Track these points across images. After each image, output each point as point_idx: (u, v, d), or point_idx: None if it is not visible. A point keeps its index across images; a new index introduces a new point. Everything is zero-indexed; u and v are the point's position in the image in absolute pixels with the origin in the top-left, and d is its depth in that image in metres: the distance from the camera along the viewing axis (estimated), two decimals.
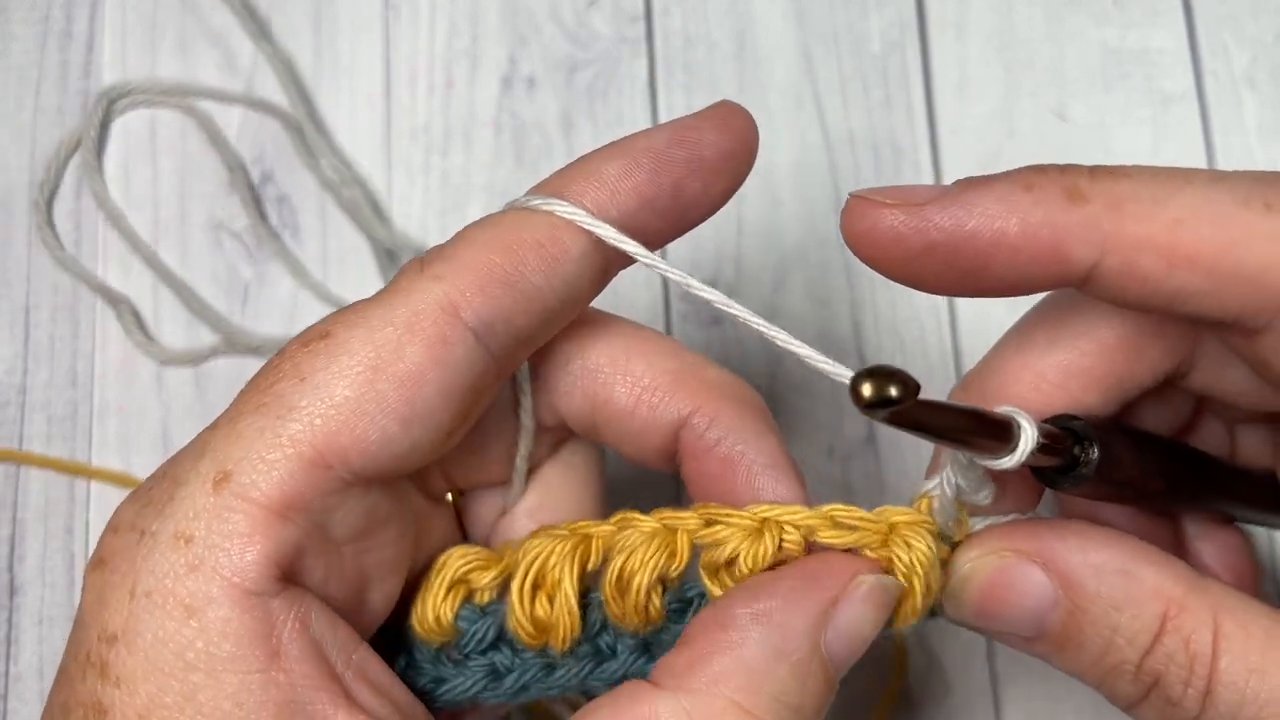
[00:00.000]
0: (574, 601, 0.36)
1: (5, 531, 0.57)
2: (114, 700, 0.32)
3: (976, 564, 0.36)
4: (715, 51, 0.63)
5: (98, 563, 0.34)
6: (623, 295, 0.59)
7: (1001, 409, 0.34)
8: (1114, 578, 0.34)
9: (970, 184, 0.34)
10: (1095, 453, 0.35)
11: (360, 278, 0.60)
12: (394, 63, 0.63)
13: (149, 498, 0.34)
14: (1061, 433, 0.35)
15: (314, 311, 0.60)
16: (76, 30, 0.63)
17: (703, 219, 0.38)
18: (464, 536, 0.41)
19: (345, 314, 0.35)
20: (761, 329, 0.36)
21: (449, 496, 0.41)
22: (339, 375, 0.33)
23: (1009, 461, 0.33)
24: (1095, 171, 0.34)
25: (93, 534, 0.57)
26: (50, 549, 0.57)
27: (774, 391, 0.58)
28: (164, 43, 0.63)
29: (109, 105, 0.62)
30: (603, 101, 0.62)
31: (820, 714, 0.34)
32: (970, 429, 0.33)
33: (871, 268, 0.35)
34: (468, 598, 0.37)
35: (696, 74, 0.62)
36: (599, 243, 0.36)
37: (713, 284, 0.59)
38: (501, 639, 0.37)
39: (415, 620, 0.37)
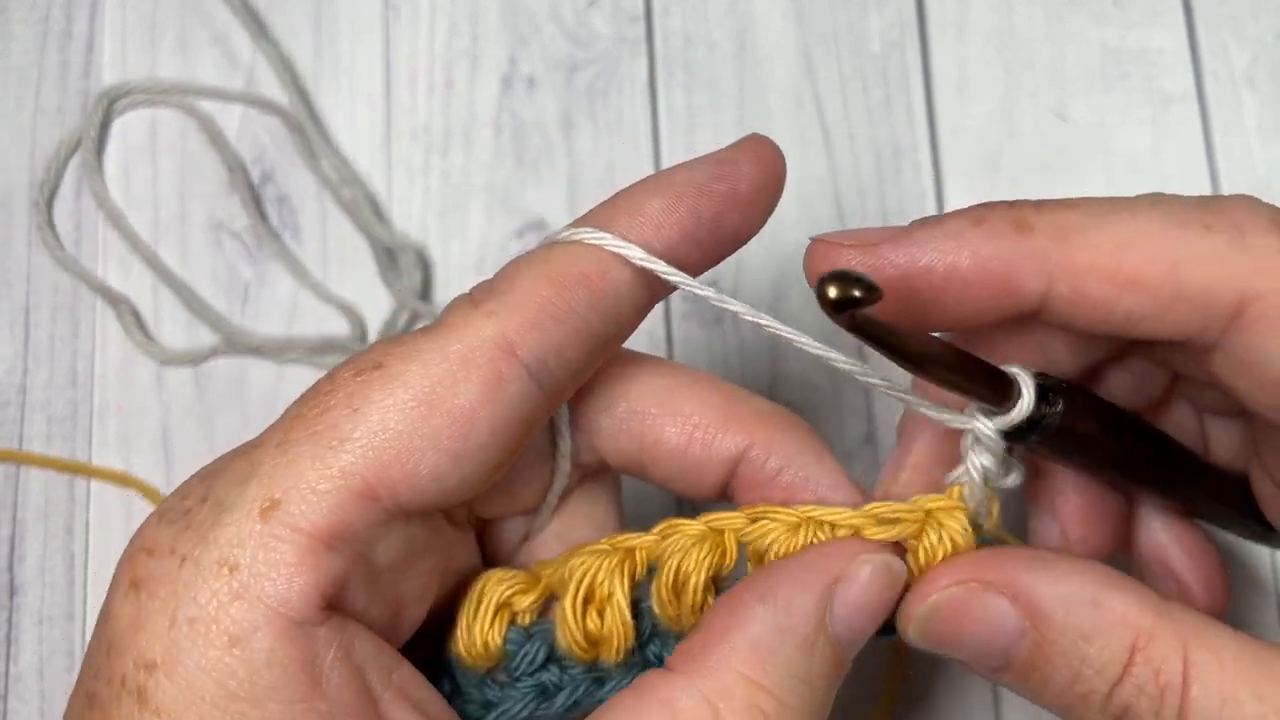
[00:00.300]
0: (627, 612, 0.36)
1: (5, 531, 0.57)
2: None
3: (942, 596, 0.35)
4: (715, 51, 0.63)
5: (131, 586, 0.33)
6: None
7: (1005, 367, 0.35)
8: (1082, 608, 0.34)
9: (922, 223, 0.36)
10: (1060, 405, 0.35)
11: (360, 278, 0.60)
12: (394, 63, 0.63)
13: (189, 521, 0.33)
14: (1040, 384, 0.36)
15: (314, 311, 0.60)
16: (76, 30, 0.63)
17: (736, 249, 0.39)
18: (484, 560, 0.41)
19: (396, 346, 0.35)
20: (792, 337, 0.37)
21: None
22: (393, 409, 0.33)
23: (1018, 414, 0.34)
24: (1041, 205, 0.35)
25: (93, 534, 0.57)
26: (50, 549, 0.57)
27: (774, 393, 0.58)
28: (164, 42, 0.63)
29: (109, 105, 0.62)
30: (603, 101, 0.62)
31: (831, 690, 0.35)
32: (957, 367, 0.34)
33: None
34: (511, 620, 0.38)
35: (696, 74, 0.62)
36: (643, 275, 0.37)
37: (713, 284, 0.59)
38: (551, 657, 0.38)
39: (461, 648, 0.38)
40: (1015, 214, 0.35)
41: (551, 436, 0.39)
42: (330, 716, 0.32)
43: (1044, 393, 0.35)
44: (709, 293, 0.37)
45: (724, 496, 0.40)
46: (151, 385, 0.59)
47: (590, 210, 0.38)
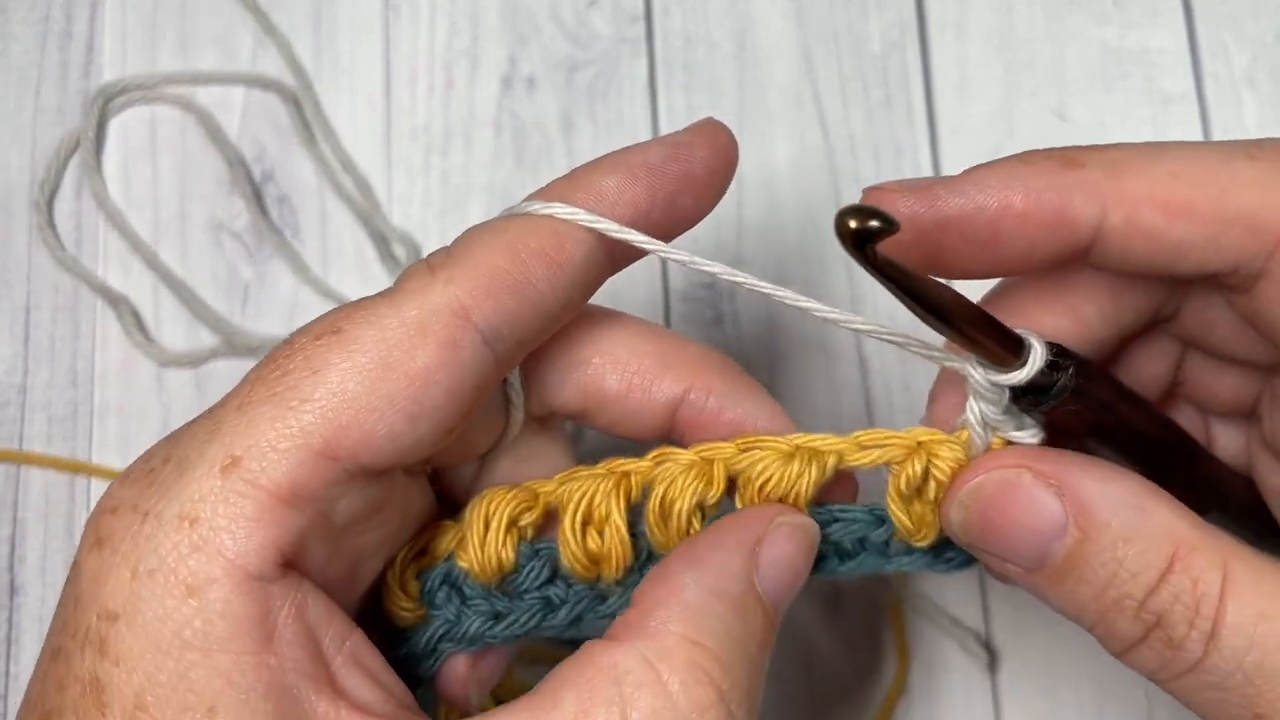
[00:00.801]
0: (625, 532, 0.38)
1: (6, 532, 0.57)
2: (111, 678, 0.32)
3: (990, 477, 0.36)
4: (715, 51, 0.63)
5: (95, 543, 0.34)
6: (623, 296, 0.59)
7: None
8: (1128, 511, 0.34)
9: (973, 168, 0.37)
10: (1071, 373, 0.36)
11: (361, 277, 0.60)
12: (394, 63, 0.63)
13: (151, 479, 0.34)
14: (1051, 354, 0.36)
15: (314, 311, 0.59)
16: (76, 30, 0.63)
17: (686, 229, 0.40)
18: (440, 499, 0.42)
19: (353, 311, 0.36)
20: (769, 291, 0.38)
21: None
22: (351, 371, 0.34)
23: (1016, 376, 0.35)
24: (1087, 146, 0.37)
25: None
26: (50, 549, 0.57)
27: (775, 387, 0.58)
28: (164, 42, 0.63)
29: (105, 104, 0.62)
30: (603, 101, 0.62)
31: (764, 651, 0.36)
32: (974, 322, 0.34)
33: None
34: (518, 537, 0.39)
35: (696, 74, 0.62)
36: (598, 249, 0.37)
37: (711, 285, 0.59)
38: (555, 574, 0.39)
39: (474, 563, 0.39)
40: (1063, 153, 0.36)
41: (504, 389, 0.40)
42: (280, 672, 0.33)
43: (1055, 363, 0.36)
44: (683, 256, 0.37)
45: (666, 438, 0.41)
46: (152, 385, 0.59)
47: (548, 184, 0.38)
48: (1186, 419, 0.45)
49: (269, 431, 0.34)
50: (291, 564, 0.34)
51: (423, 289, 0.35)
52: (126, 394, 0.59)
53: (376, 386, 0.34)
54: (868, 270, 0.32)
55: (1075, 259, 0.37)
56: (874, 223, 0.30)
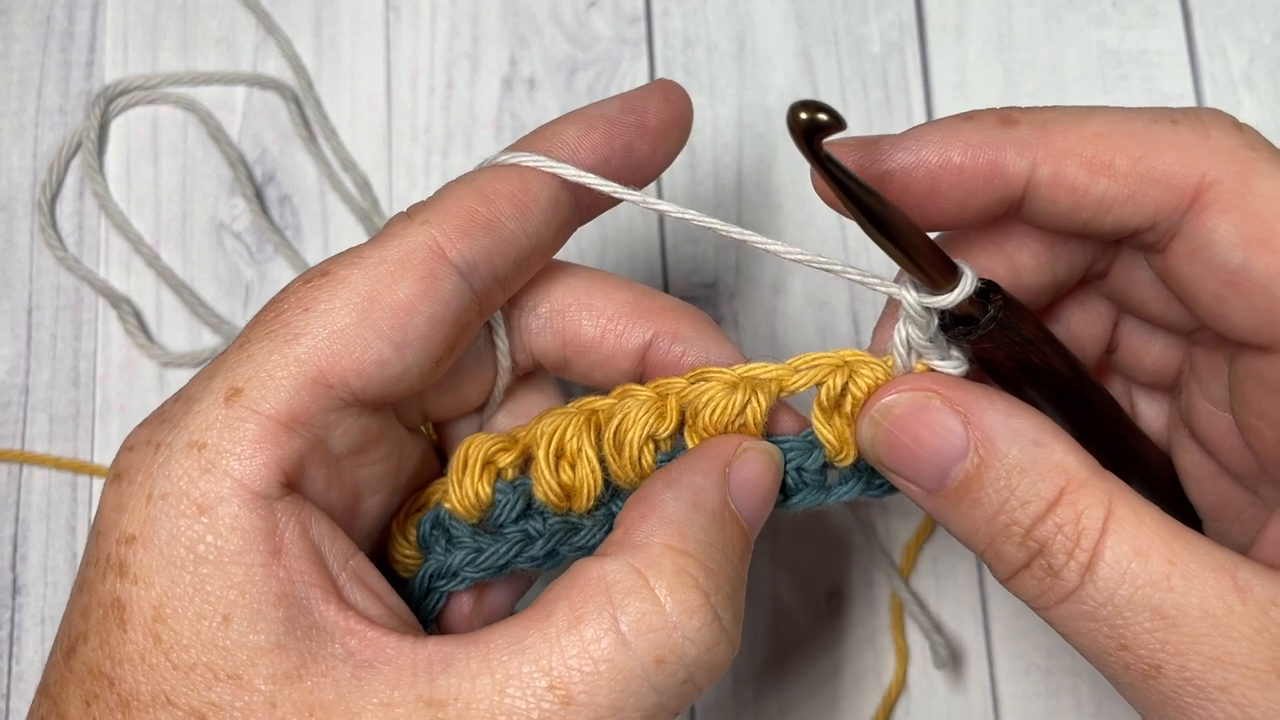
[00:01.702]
0: (595, 463, 0.41)
1: (8, 531, 0.58)
2: (131, 596, 0.35)
3: (902, 398, 0.38)
4: (715, 53, 0.63)
5: (114, 478, 0.37)
6: None
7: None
8: (1026, 444, 0.36)
9: (918, 125, 0.39)
10: (1000, 309, 0.38)
11: None
12: (395, 64, 0.63)
13: (163, 417, 0.37)
14: (983, 288, 0.38)
15: None
16: (78, 31, 0.63)
17: (651, 179, 0.43)
18: (440, 458, 0.45)
19: (342, 256, 0.38)
20: (714, 226, 0.40)
21: (424, 428, 0.45)
22: (340, 306, 0.37)
23: (946, 299, 0.37)
24: (1026, 107, 0.39)
25: None
26: (53, 548, 0.57)
27: None
28: (165, 43, 0.63)
29: (106, 104, 0.62)
30: None
31: (743, 565, 0.38)
32: (916, 244, 0.36)
33: (842, 213, 0.38)
34: (496, 476, 0.41)
35: (696, 75, 0.62)
36: (564, 193, 0.41)
37: (712, 285, 0.60)
38: (531, 508, 0.42)
39: (455, 500, 0.41)
40: (1002, 112, 0.39)
41: (491, 339, 0.43)
42: (289, 583, 0.35)
43: (984, 293, 0.38)
44: (637, 197, 0.40)
45: (637, 382, 0.43)
46: (153, 385, 0.59)
47: (517, 140, 0.42)
48: (1115, 393, 0.46)
49: (266, 363, 0.36)
50: (293, 485, 0.36)
51: (402, 231, 0.38)
52: (128, 394, 0.59)
53: (364, 319, 0.37)
54: (814, 165, 0.34)
55: (1008, 213, 0.39)
56: (821, 115, 0.32)
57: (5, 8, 0.64)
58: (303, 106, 0.62)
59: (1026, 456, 0.36)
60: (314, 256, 0.61)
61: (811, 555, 0.57)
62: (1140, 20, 0.62)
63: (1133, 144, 0.37)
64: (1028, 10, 0.63)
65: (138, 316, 0.60)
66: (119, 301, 0.60)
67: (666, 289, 0.60)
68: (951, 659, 0.55)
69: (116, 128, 0.62)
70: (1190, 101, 0.61)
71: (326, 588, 0.36)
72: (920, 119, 0.61)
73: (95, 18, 0.64)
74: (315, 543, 0.36)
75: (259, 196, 0.61)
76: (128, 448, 0.37)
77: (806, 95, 0.62)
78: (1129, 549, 0.35)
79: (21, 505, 0.58)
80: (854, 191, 0.35)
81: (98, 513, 0.37)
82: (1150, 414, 0.46)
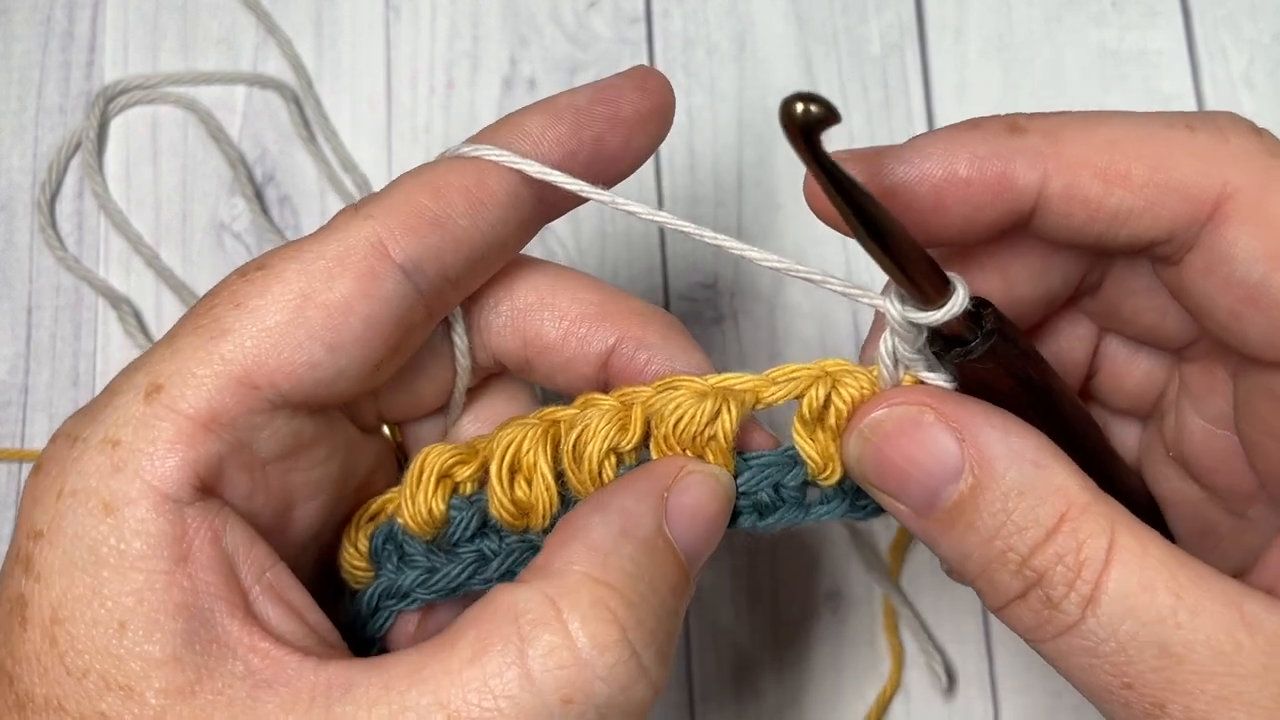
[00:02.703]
0: (551, 479, 0.38)
1: (6, 531, 0.57)
2: (33, 593, 0.33)
3: (892, 413, 0.36)
4: (715, 53, 0.63)
5: (35, 469, 0.35)
6: None
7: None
8: (1025, 465, 0.34)
9: (919, 136, 0.37)
10: (991, 327, 0.35)
11: None
12: (395, 64, 0.63)
13: (87, 409, 0.36)
14: (974, 308, 0.36)
15: None
16: (78, 31, 0.64)
17: (626, 174, 0.40)
18: (401, 462, 0.43)
19: (282, 248, 0.37)
20: (690, 231, 0.38)
21: (385, 431, 0.42)
22: (272, 302, 0.35)
23: (934, 316, 0.34)
24: (1033, 113, 0.37)
25: None
26: None
27: None
28: (165, 43, 0.63)
29: (106, 104, 0.62)
30: None
31: (679, 604, 0.35)
32: (910, 255, 0.33)
33: (835, 227, 0.36)
34: (453, 490, 0.39)
35: (696, 75, 0.62)
36: (526, 189, 0.38)
37: (712, 286, 0.60)
38: (487, 526, 0.39)
39: (408, 516, 0.39)
40: (1009, 119, 0.36)
41: (449, 337, 0.40)
42: (193, 593, 0.33)
43: (975, 314, 0.35)
44: (604, 196, 0.38)
45: (600, 389, 0.41)
46: None
47: (479, 131, 0.39)
48: (1091, 409, 0.44)
49: (190, 360, 0.35)
50: (210, 489, 0.35)
51: (345, 225, 0.36)
52: None
53: (295, 317, 0.35)
54: (808, 163, 0.31)
55: (1017, 226, 0.36)
56: (815, 109, 0.30)
57: (5, 7, 0.64)
58: (303, 106, 0.62)
59: (1025, 479, 0.34)
60: None
61: (811, 556, 0.57)
62: (1140, 20, 0.62)
63: (1149, 152, 0.35)
64: (1028, 10, 0.63)
65: (137, 316, 0.60)
66: (119, 301, 0.60)
67: (666, 286, 0.60)
68: (948, 673, 0.55)
69: (116, 127, 0.62)
70: (1190, 102, 0.61)
71: (233, 600, 0.34)
72: (920, 119, 0.62)
73: (95, 17, 0.64)
74: (228, 551, 0.34)
75: (259, 196, 0.61)
76: (53, 439, 0.36)
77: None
78: (1134, 582, 0.32)
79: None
80: (851, 194, 0.32)
81: (19, 502, 0.36)
82: (1121, 441, 0.44)
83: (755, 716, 0.56)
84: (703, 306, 0.59)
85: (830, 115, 0.30)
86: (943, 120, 0.61)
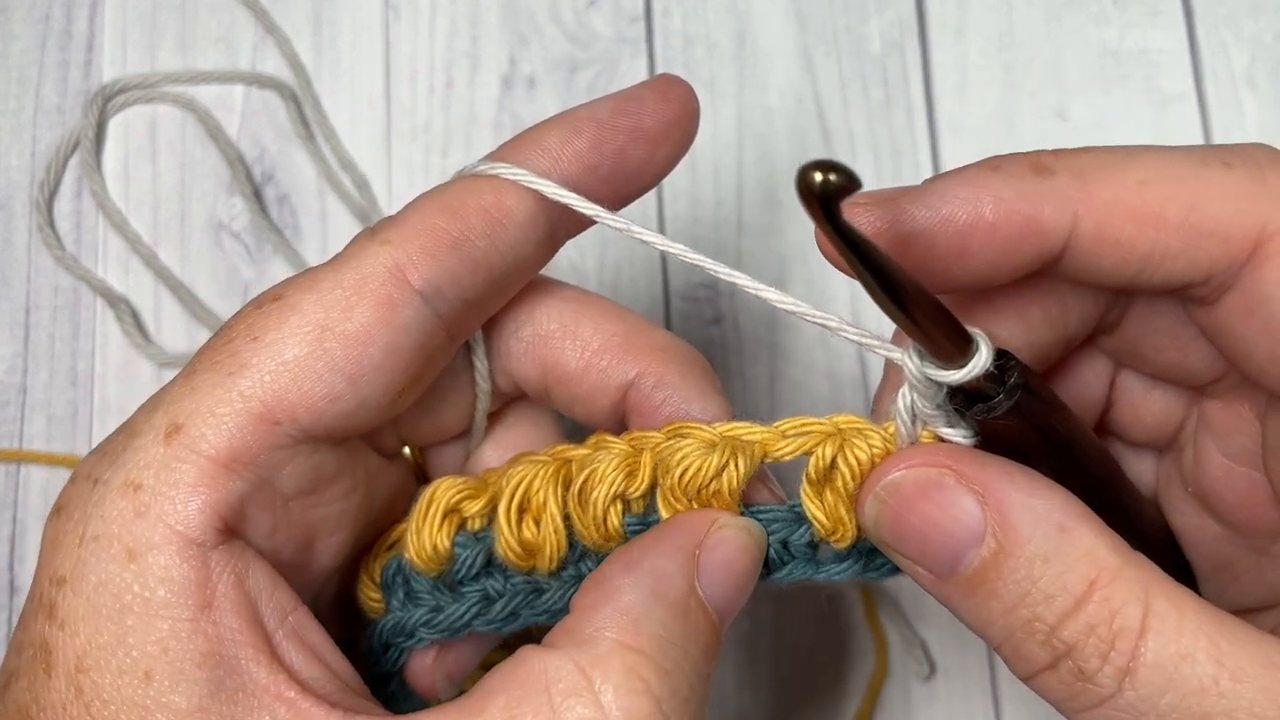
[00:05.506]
0: (560, 521, 0.37)
1: (5, 531, 0.57)
2: (57, 641, 0.33)
3: (911, 474, 0.34)
4: (715, 52, 0.63)
5: (55, 510, 0.35)
6: (623, 295, 0.59)
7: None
8: (1050, 529, 0.32)
9: (939, 176, 0.35)
10: (1015, 384, 0.34)
11: None
12: (394, 63, 0.63)
13: (106, 449, 0.35)
14: (996, 360, 0.34)
15: None
16: (77, 30, 0.63)
17: (649, 187, 0.39)
18: (422, 483, 0.41)
19: (298, 278, 0.36)
20: (698, 261, 0.37)
21: (406, 451, 0.42)
22: (290, 335, 0.34)
23: (956, 375, 0.33)
24: (1058, 151, 0.35)
25: None
26: None
27: (774, 392, 0.58)
28: (164, 42, 0.63)
29: (105, 103, 0.62)
30: None
31: (710, 662, 0.34)
32: (930, 313, 0.32)
33: (847, 274, 0.34)
34: (460, 526, 0.38)
35: (696, 74, 0.62)
36: (544, 208, 0.37)
37: (712, 285, 0.59)
38: (492, 565, 0.38)
39: (412, 551, 0.38)
40: (1032, 159, 0.35)
41: (470, 360, 0.39)
42: (218, 641, 0.33)
43: (997, 374, 0.34)
44: (620, 224, 0.37)
45: (621, 423, 0.40)
46: (151, 385, 0.59)
47: (498, 147, 0.38)
48: (1107, 442, 0.43)
49: (209, 398, 0.34)
50: (233, 531, 0.34)
51: (361, 252, 0.35)
52: (126, 394, 0.59)
53: (314, 349, 0.34)
54: (827, 233, 0.30)
55: (1044, 270, 0.35)
56: (834, 177, 0.28)
57: (4, 6, 0.64)
58: (301, 106, 0.62)
59: (1051, 544, 0.32)
60: (312, 256, 0.61)
61: None
62: (1141, 19, 0.62)
63: (1183, 192, 0.33)
64: (1028, 10, 0.63)
65: (135, 316, 0.60)
66: (117, 301, 0.59)
67: (666, 288, 0.60)
68: (928, 659, 0.55)
69: (115, 127, 0.62)
70: (1191, 99, 0.61)
71: (258, 645, 0.33)
72: (921, 118, 0.61)
73: (93, 16, 0.64)
74: (251, 595, 0.34)
75: (257, 196, 0.61)
76: (73, 479, 0.35)
77: (806, 94, 0.62)
78: (1173, 651, 0.31)
79: (19, 505, 0.58)
80: (869, 259, 0.30)
81: (41, 543, 0.35)
82: (1137, 473, 0.43)
83: (753, 709, 0.56)
84: (703, 306, 0.59)
85: (850, 184, 0.29)
86: (944, 119, 0.61)
